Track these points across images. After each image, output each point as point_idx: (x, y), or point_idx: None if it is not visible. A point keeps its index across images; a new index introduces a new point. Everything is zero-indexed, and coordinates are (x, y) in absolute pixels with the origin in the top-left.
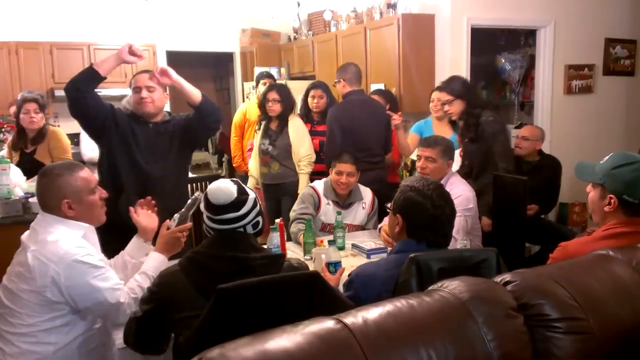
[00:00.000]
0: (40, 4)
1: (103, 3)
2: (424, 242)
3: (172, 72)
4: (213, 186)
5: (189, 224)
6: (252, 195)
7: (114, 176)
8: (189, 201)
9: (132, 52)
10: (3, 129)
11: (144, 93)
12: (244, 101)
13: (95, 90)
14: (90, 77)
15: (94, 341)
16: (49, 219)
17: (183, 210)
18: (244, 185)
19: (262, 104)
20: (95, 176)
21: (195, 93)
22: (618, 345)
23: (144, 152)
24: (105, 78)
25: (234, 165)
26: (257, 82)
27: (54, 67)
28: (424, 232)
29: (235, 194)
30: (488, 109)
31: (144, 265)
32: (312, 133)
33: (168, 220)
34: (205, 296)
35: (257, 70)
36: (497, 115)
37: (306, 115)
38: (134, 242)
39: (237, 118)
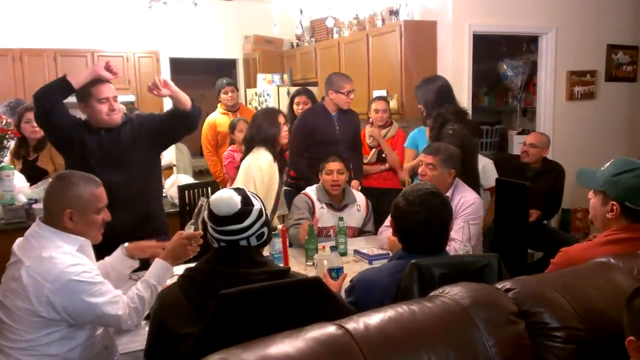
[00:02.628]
0: (44, 11)
1: (107, 10)
2: (415, 249)
3: (171, 83)
4: (216, 196)
5: (199, 232)
6: (257, 205)
7: None
8: (196, 209)
9: (108, 69)
10: (7, 136)
11: (114, 104)
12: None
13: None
14: (63, 88)
15: (96, 347)
16: (44, 230)
17: (192, 219)
18: (250, 195)
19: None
20: (106, 197)
21: (187, 100)
22: (617, 355)
23: (100, 160)
24: (75, 90)
25: (217, 180)
26: (219, 92)
27: (58, 74)
28: (411, 240)
29: (239, 205)
30: (453, 121)
31: (147, 272)
32: None
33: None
34: (203, 314)
35: (219, 80)
36: (462, 127)
37: (292, 121)
38: (118, 255)
39: (206, 132)
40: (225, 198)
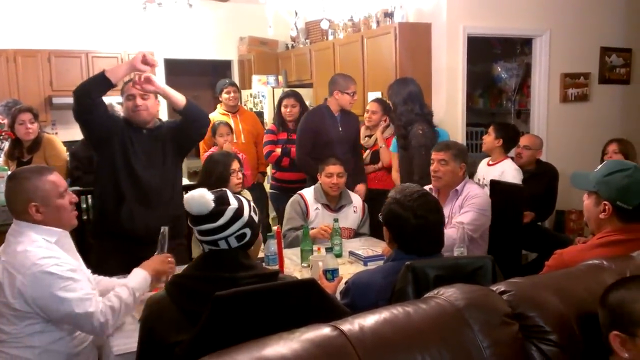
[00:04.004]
0: (38, 12)
1: (101, 11)
2: (413, 252)
3: (154, 79)
4: (188, 195)
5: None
6: (234, 205)
7: (115, 186)
8: (159, 237)
9: (145, 61)
10: (1, 137)
11: (139, 101)
12: None
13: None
14: (102, 83)
15: (84, 340)
16: (20, 226)
17: (158, 249)
18: (229, 195)
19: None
20: (64, 181)
21: (179, 98)
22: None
23: (142, 160)
24: (115, 85)
25: None
26: (220, 92)
27: (52, 75)
28: (410, 243)
29: (211, 204)
30: (421, 122)
31: (127, 279)
32: (289, 142)
33: None
34: (192, 320)
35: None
36: (428, 128)
37: (281, 124)
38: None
39: None
40: (196, 197)
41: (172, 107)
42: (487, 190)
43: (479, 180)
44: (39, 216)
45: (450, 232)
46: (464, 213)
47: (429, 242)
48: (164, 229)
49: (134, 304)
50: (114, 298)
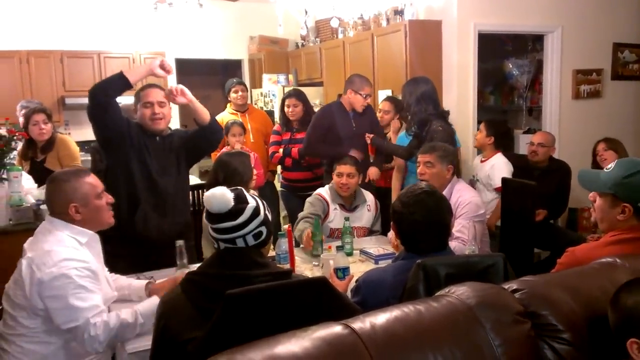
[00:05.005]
0: (50, 13)
1: (113, 11)
2: (417, 249)
3: (187, 91)
4: (209, 193)
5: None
6: (252, 203)
7: (130, 190)
8: (176, 252)
9: (162, 67)
10: (15, 137)
11: (157, 109)
12: None
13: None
14: (120, 83)
15: None
16: (53, 224)
17: (177, 263)
18: (246, 194)
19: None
20: (100, 182)
21: (205, 112)
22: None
23: (157, 167)
24: (132, 87)
25: None
26: (229, 91)
27: (65, 75)
28: (412, 240)
29: (231, 202)
30: (437, 119)
31: (139, 304)
32: (292, 141)
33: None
34: (206, 317)
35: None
36: (445, 125)
37: (285, 124)
38: (139, 286)
39: None
40: (217, 195)
41: (195, 120)
42: (485, 186)
43: (473, 176)
44: (79, 216)
45: (457, 247)
46: (460, 226)
47: (434, 239)
48: (180, 244)
49: (137, 326)
50: (113, 315)
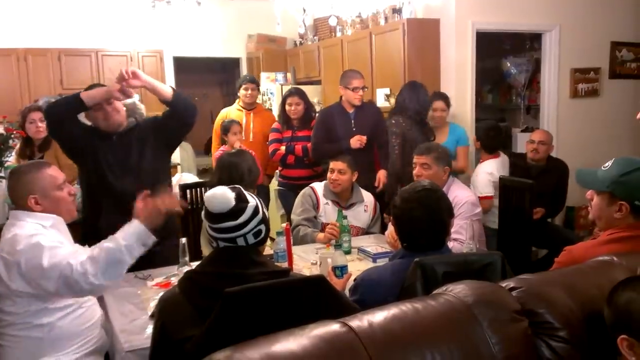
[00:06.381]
0: (48, 11)
1: (111, 9)
2: (415, 246)
3: (140, 73)
4: (209, 193)
5: (177, 200)
6: (252, 202)
7: (91, 198)
8: (180, 249)
9: (123, 92)
10: (12, 136)
11: (111, 108)
12: None
13: None
14: (76, 106)
15: (90, 317)
16: (16, 215)
17: (180, 260)
18: (245, 192)
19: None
20: (62, 174)
21: (166, 89)
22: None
23: (114, 168)
24: (88, 109)
25: None
26: (239, 87)
27: (62, 73)
28: (410, 237)
29: (232, 202)
30: (400, 115)
31: (119, 232)
32: (294, 139)
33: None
34: (204, 316)
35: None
36: (404, 120)
37: (286, 122)
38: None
39: (217, 126)
40: (219, 195)
41: (160, 99)
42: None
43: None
44: (39, 207)
45: (454, 248)
46: (457, 227)
47: (433, 236)
48: (183, 242)
49: (122, 250)
50: (94, 248)
